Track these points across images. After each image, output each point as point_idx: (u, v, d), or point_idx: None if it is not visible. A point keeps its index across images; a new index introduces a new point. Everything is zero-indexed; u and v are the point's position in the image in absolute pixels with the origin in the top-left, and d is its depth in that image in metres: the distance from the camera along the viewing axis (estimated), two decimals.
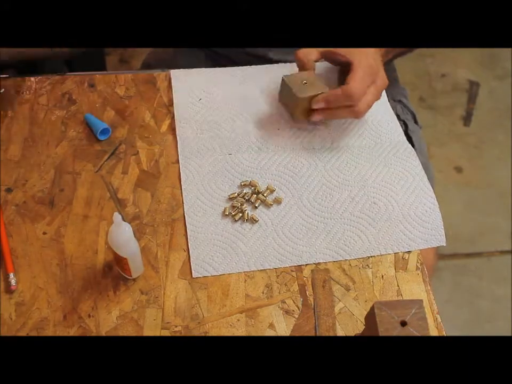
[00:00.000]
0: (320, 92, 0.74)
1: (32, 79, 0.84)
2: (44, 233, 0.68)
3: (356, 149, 0.77)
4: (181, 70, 0.85)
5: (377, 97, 0.75)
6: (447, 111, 1.97)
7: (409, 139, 0.95)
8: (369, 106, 0.74)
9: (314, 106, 0.74)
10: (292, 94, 0.74)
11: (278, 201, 0.71)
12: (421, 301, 0.55)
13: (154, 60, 1.03)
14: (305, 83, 0.74)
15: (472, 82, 2.05)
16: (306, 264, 0.67)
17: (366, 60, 0.73)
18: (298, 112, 0.76)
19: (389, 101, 0.84)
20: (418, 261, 0.68)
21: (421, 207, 0.71)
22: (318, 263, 0.67)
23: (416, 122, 1.00)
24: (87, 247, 0.67)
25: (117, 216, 0.58)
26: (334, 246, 0.68)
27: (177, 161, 0.75)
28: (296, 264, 0.67)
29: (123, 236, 0.59)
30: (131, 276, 0.64)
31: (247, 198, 0.71)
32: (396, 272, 0.67)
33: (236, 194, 0.72)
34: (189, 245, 0.67)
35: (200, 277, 0.65)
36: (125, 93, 0.83)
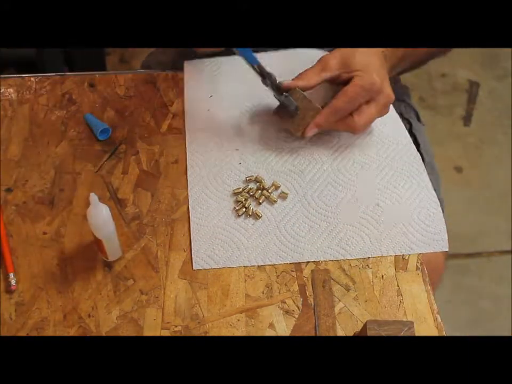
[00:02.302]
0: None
1: (32, 79, 0.84)
2: (44, 233, 0.68)
3: (363, 147, 0.77)
4: (195, 60, 0.85)
5: (379, 113, 0.73)
6: (447, 111, 1.97)
7: (414, 138, 0.95)
8: (367, 122, 0.72)
9: (308, 134, 0.73)
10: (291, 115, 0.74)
11: (283, 197, 0.72)
12: (412, 322, 0.56)
13: (154, 62, 1.03)
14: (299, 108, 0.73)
15: (472, 82, 2.05)
16: (306, 264, 0.67)
17: (367, 76, 0.71)
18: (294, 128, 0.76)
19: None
20: (418, 261, 0.68)
21: (424, 211, 0.71)
22: (318, 263, 0.67)
23: (419, 120, 1.00)
24: (87, 247, 0.67)
25: (93, 197, 0.59)
26: (335, 245, 0.68)
27: (177, 161, 0.75)
28: (297, 261, 0.67)
29: (99, 218, 0.60)
30: (107, 259, 0.65)
31: (251, 193, 0.71)
32: (396, 272, 0.67)
33: (241, 189, 0.72)
34: (191, 237, 0.68)
35: (200, 275, 0.65)
36: (125, 93, 0.83)
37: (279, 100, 0.74)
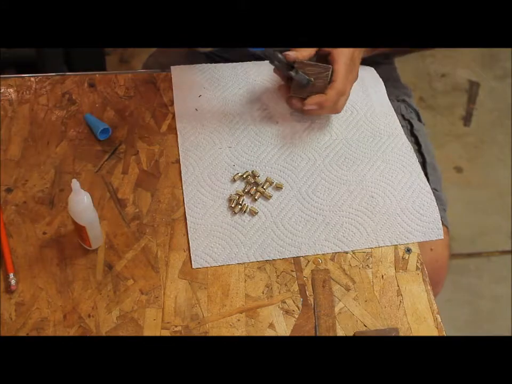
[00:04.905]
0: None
1: (32, 79, 0.84)
2: (44, 233, 0.68)
3: (354, 142, 0.78)
4: (182, 66, 0.86)
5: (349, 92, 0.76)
6: (447, 111, 1.97)
7: (416, 138, 0.96)
8: (346, 102, 0.76)
9: (307, 108, 0.75)
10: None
11: (278, 188, 0.72)
12: (397, 329, 0.58)
13: (155, 63, 1.03)
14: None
15: (472, 82, 2.05)
16: (306, 264, 0.67)
17: (347, 51, 0.74)
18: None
19: (392, 101, 0.85)
20: (418, 261, 0.68)
21: (418, 201, 0.72)
22: (319, 263, 0.67)
23: (420, 120, 1.00)
24: (87, 247, 0.67)
25: (75, 183, 0.59)
26: (332, 237, 0.69)
27: (177, 161, 0.75)
28: (295, 256, 0.67)
29: (81, 204, 0.61)
30: (91, 247, 0.65)
31: (246, 190, 0.72)
32: (396, 272, 0.67)
33: (235, 186, 0.72)
34: (189, 236, 0.68)
35: (200, 275, 0.65)
36: (125, 93, 0.83)
37: (291, 76, 0.74)
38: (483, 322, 1.52)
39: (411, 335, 0.62)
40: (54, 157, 0.75)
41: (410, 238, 0.69)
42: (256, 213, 0.70)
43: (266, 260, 0.67)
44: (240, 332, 0.62)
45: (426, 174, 0.92)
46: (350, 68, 0.74)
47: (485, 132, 1.92)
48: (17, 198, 0.71)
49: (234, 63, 0.87)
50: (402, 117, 0.98)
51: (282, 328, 0.62)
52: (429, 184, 0.91)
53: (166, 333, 0.61)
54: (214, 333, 0.62)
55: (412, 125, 0.97)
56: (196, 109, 0.81)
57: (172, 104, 0.81)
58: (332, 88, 0.73)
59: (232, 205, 0.70)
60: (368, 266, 0.67)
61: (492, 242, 1.68)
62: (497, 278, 1.61)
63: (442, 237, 0.70)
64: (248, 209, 0.70)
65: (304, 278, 0.66)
